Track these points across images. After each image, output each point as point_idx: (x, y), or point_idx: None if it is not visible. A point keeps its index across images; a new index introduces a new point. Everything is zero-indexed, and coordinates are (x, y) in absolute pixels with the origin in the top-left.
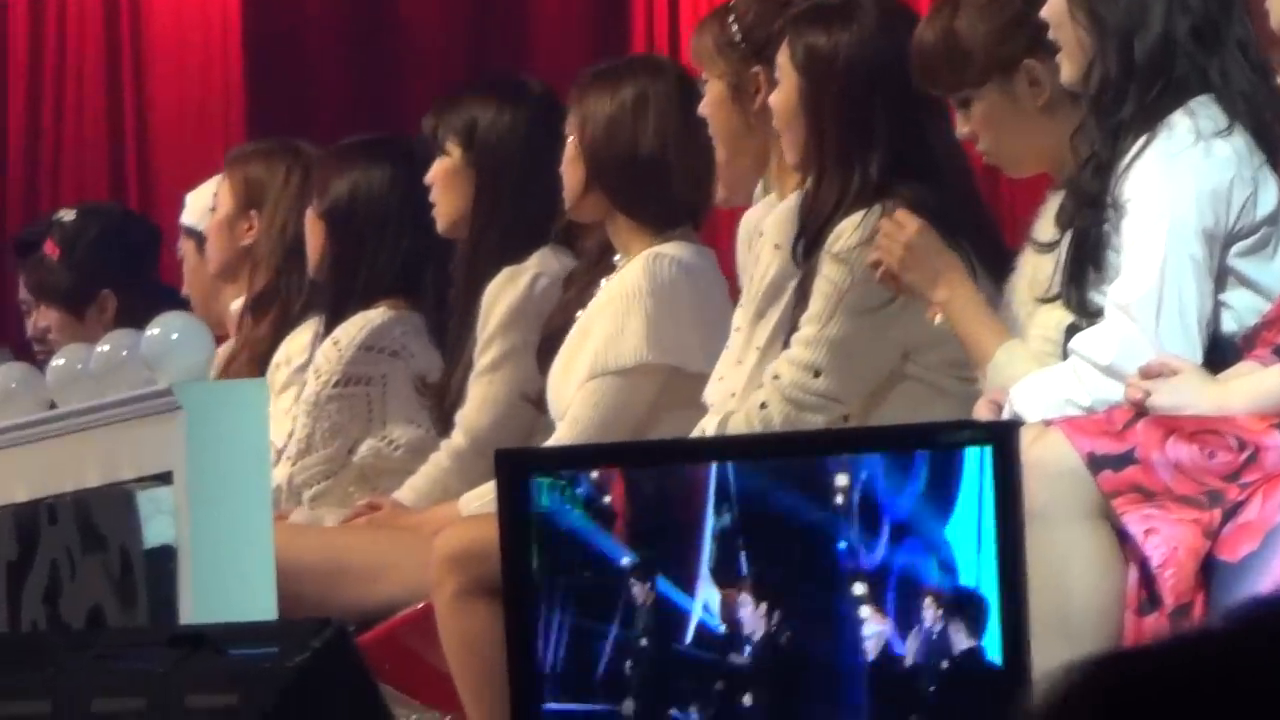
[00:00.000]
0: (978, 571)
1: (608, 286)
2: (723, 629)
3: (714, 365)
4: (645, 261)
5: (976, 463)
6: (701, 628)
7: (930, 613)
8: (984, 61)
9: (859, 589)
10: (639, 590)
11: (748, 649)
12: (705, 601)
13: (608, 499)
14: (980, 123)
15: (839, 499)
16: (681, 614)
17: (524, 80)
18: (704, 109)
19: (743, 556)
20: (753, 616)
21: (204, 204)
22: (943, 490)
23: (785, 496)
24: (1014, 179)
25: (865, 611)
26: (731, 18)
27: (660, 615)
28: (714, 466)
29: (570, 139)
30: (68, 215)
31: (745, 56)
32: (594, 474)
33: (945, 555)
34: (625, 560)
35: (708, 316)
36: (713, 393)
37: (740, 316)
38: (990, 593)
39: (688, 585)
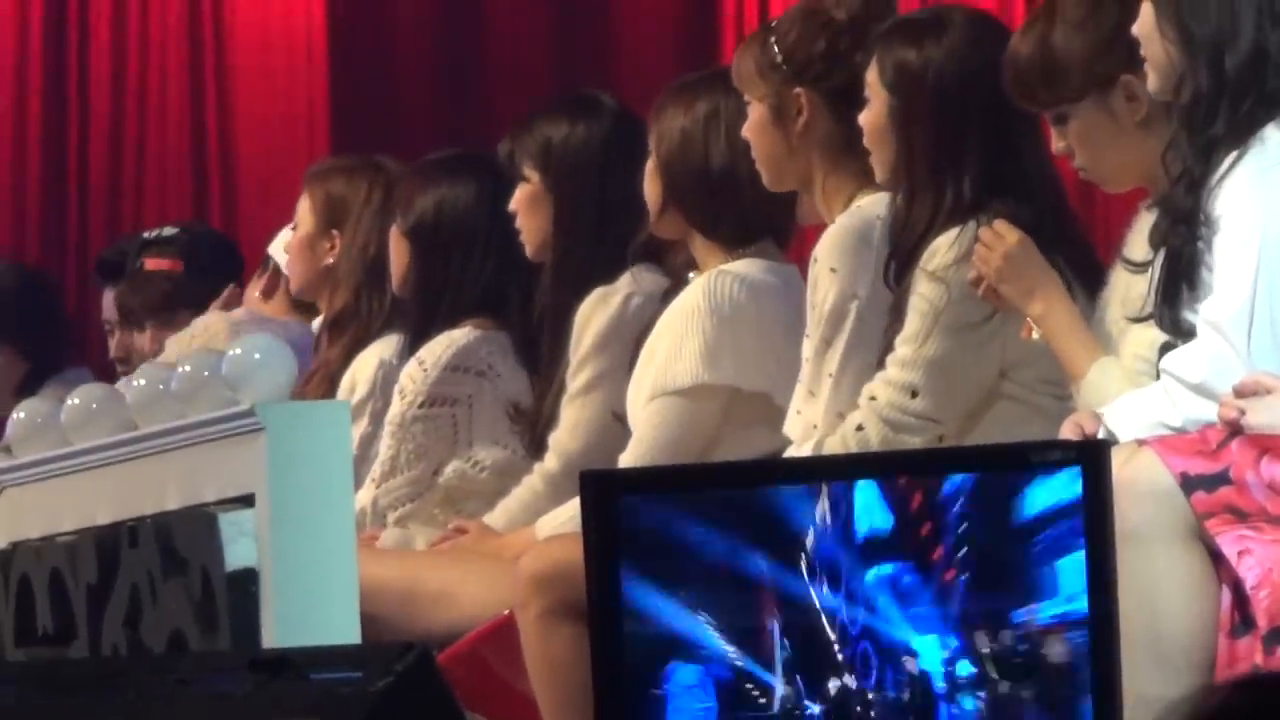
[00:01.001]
0: (1068, 594)
1: (671, 305)
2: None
3: (777, 385)
4: (706, 280)
5: (1065, 483)
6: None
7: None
8: (1081, 77)
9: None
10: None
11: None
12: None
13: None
14: (1077, 138)
15: (922, 519)
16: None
17: (596, 95)
18: (746, 132)
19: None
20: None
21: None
22: (1031, 511)
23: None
24: (1109, 193)
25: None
26: (773, 39)
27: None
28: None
29: (651, 155)
30: (168, 231)
31: (787, 78)
32: None
33: (1034, 580)
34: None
35: (772, 335)
36: (793, 427)
37: (807, 347)
38: (1081, 615)
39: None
